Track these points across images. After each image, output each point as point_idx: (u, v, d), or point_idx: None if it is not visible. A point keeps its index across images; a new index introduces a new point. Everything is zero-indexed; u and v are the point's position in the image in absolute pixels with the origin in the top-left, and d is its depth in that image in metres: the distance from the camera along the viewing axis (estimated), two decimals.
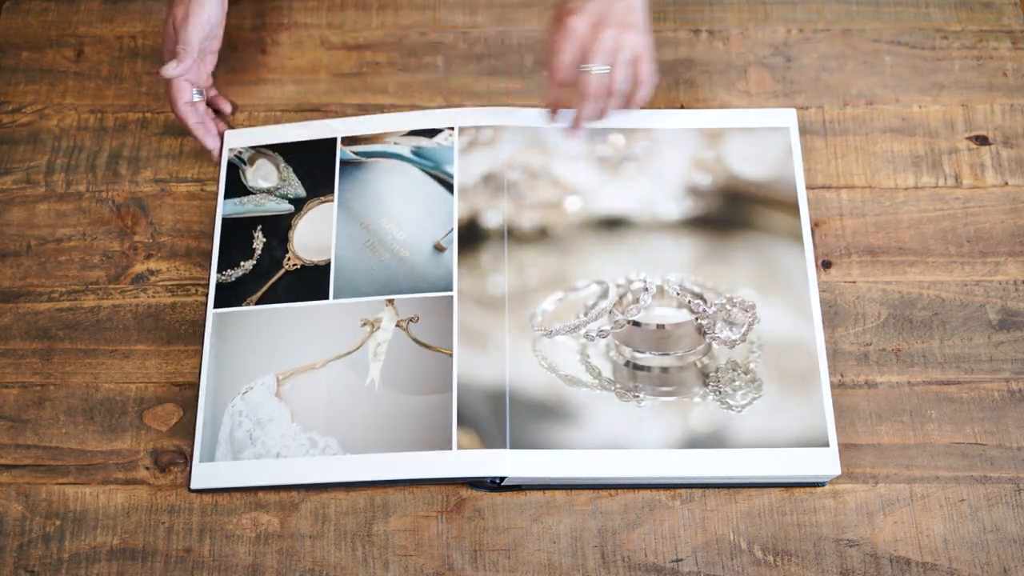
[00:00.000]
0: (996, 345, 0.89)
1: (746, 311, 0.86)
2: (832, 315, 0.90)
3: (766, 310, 0.87)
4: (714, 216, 0.91)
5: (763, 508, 0.84)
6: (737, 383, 0.85)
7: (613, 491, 0.85)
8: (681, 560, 0.82)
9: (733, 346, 0.86)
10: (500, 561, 0.83)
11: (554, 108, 0.93)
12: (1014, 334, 0.89)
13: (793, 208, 0.91)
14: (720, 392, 0.85)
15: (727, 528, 0.83)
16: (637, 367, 0.86)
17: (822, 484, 0.84)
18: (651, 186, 0.93)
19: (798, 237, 0.90)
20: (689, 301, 0.87)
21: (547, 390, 0.85)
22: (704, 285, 0.89)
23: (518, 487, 0.85)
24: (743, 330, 0.86)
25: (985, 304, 0.90)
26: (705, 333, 0.87)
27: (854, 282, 0.92)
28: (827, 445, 0.82)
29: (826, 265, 0.92)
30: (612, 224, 0.91)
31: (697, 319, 0.87)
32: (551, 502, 0.84)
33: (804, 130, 0.97)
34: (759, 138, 0.94)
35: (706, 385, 0.85)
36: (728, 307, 0.86)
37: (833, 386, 0.87)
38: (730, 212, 0.91)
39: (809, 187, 0.95)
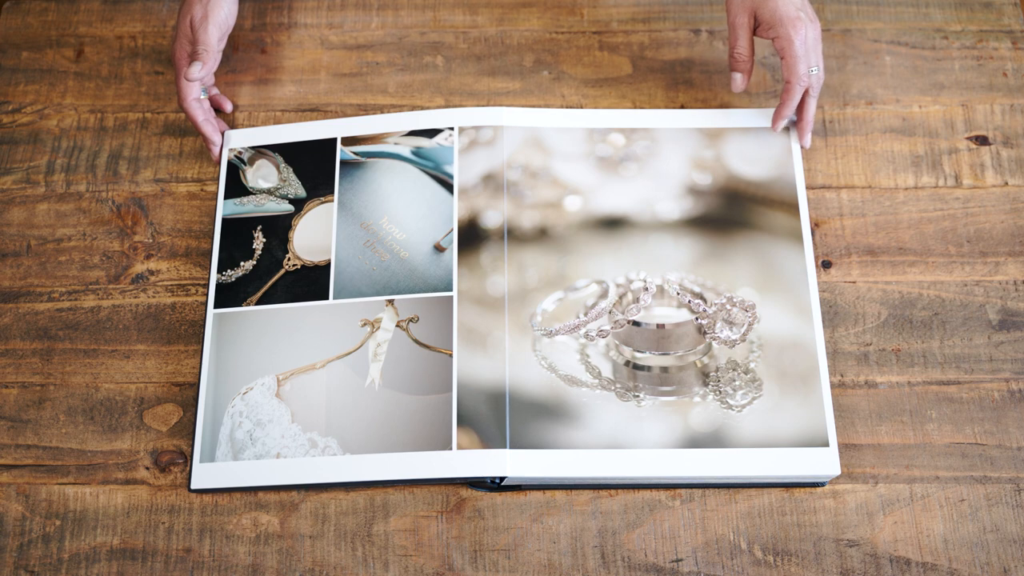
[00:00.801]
0: (996, 345, 0.89)
1: (746, 311, 0.86)
2: (832, 315, 0.90)
3: (766, 310, 0.87)
4: (714, 216, 0.91)
5: (763, 508, 0.84)
6: (737, 383, 0.85)
7: (613, 491, 0.85)
8: (681, 560, 0.82)
9: (733, 346, 0.86)
10: (500, 561, 0.83)
11: (784, 114, 0.93)
12: (1014, 334, 0.89)
13: (793, 208, 0.91)
14: (720, 392, 0.85)
15: (727, 528, 0.83)
16: (637, 367, 0.86)
17: (822, 484, 0.84)
18: (651, 186, 0.93)
19: (798, 237, 0.90)
20: (689, 301, 0.87)
21: (547, 390, 0.85)
22: (704, 285, 0.89)
23: (518, 487, 0.85)
24: (743, 330, 0.86)
25: (985, 304, 0.90)
26: (705, 333, 0.87)
27: (854, 282, 0.92)
28: (827, 445, 0.82)
29: (826, 265, 0.92)
30: (612, 224, 0.91)
31: (697, 319, 0.87)
32: (551, 502, 0.84)
33: None
34: (759, 138, 0.94)
35: (706, 385, 0.85)
36: (728, 307, 0.86)
37: (833, 386, 0.87)
38: (730, 212, 0.91)
39: (809, 187, 0.95)
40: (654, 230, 0.91)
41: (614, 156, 0.94)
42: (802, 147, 0.94)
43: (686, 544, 0.83)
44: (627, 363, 0.87)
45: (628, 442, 0.83)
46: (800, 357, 0.85)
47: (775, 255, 0.89)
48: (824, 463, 0.82)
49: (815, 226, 0.94)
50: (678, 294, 0.88)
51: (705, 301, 0.87)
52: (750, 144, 0.94)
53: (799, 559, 0.82)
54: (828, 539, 0.83)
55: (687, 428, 0.83)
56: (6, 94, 1.02)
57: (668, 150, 0.94)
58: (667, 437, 0.83)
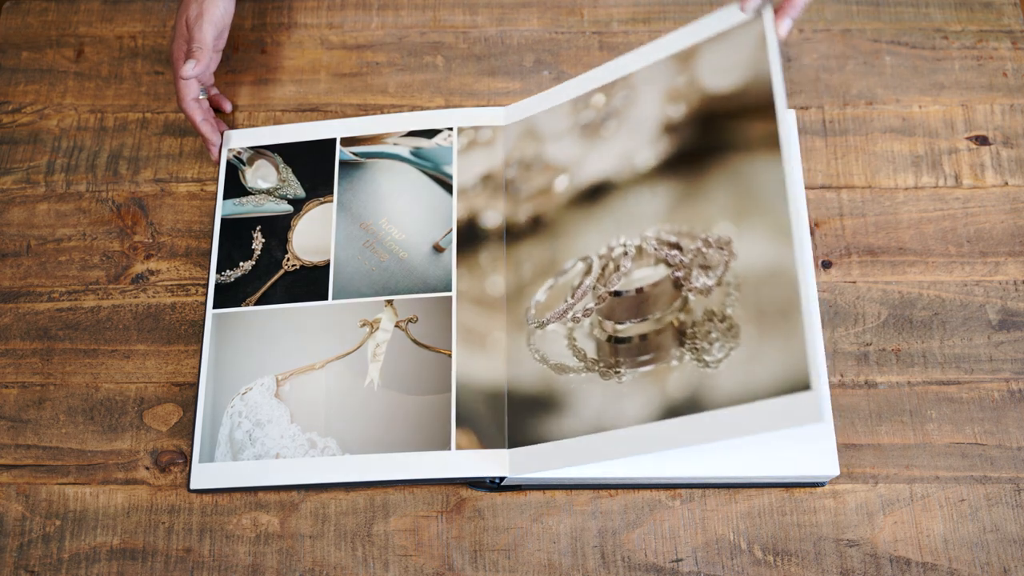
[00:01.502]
0: (996, 345, 0.89)
1: (721, 249, 0.77)
2: (832, 315, 0.90)
3: (743, 240, 0.77)
4: (689, 150, 0.82)
5: (763, 508, 0.84)
6: (713, 334, 0.76)
7: (613, 491, 0.85)
8: (681, 560, 0.82)
9: (709, 292, 0.78)
10: (500, 561, 0.83)
11: None
12: (1014, 334, 0.89)
13: (767, 111, 0.77)
14: (697, 348, 0.77)
15: (727, 528, 0.83)
16: (618, 340, 0.81)
17: (822, 484, 0.84)
18: (628, 137, 0.86)
19: (774, 145, 0.76)
20: (666, 254, 0.80)
21: (540, 383, 0.83)
22: (680, 232, 0.80)
23: (518, 487, 0.85)
24: (719, 272, 0.77)
25: (985, 304, 0.90)
26: (681, 286, 0.79)
27: (854, 282, 0.92)
28: (808, 388, 0.68)
29: (826, 265, 0.92)
30: (595, 192, 0.86)
31: (673, 271, 0.79)
32: (551, 502, 0.84)
33: (804, 130, 0.97)
34: (730, 42, 0.82)
35: (683, 344, 0.78)
36: (703, 249, 0.78)
37: (833, 386, 0.87)
38: (704, 139, 0.81)
39: (809, 187, 0.95)
40: (633, 185, 0.84)
41: (596, 119, 0.89)
42: (779, 36, 0.80)
43: (686, 544, 0.83)
44: (609, 339, 0.82)
45: (609, 423, 0.78)
46: (779, 288, 0.73)
47: (750, 173, 0.78)
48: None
49: (815, 226, 0.94)
50: (655, 250, 0.81)
51: (681, 250, 0.80)
52: (721, 52, 0.81)
53: (799, 559, 0.82)
54: (828, 539, 0.83)
55: (664, 397, 0.76)
56: (6, 94, 1.02)
57: (643, 92, 0.86)
58: (644, 411, 0.76)
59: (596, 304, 0.83)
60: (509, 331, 0.86)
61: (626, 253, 0.83)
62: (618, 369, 0.80)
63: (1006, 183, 0.95)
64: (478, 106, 0.98)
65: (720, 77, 0.81)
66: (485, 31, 1.04)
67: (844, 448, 0.85)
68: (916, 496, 0.84)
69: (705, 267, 0.78)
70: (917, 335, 0.89)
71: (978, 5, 1.03)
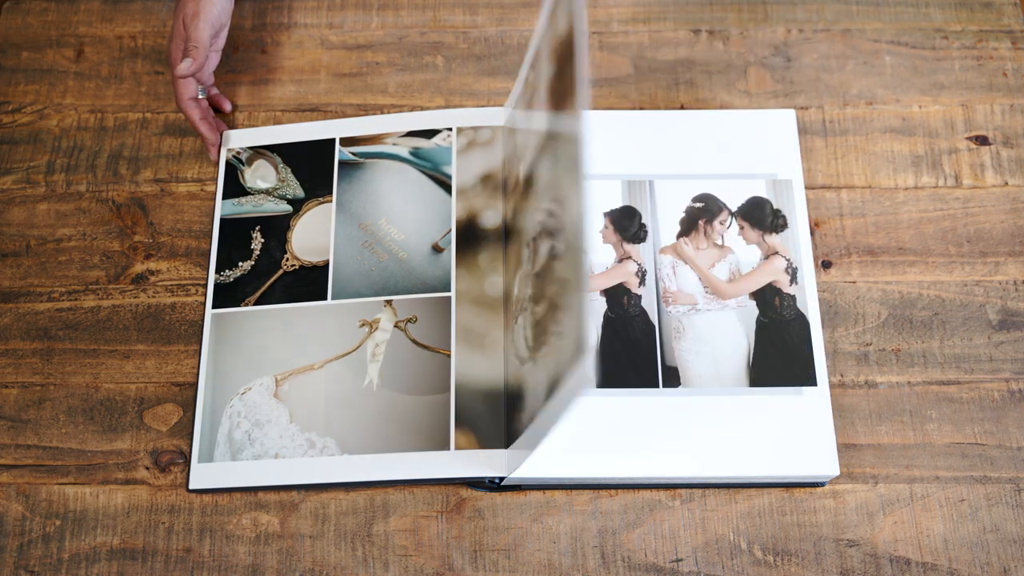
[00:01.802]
0: (996, 345, 0.89)
1: (555, 217, 0.69)
2: (832, 315, 0.90)
3: (572, 194, 0.66)
4: (556, 103, 0.72)
5: (763, 508, 0.84)
6: (559, 303, 0.68)
7: (613, 491, 0.85)
8: (681, 560, 0.82)
9: (561, 258, 0.69)
10: (500, 561, 0.83)
11: None
12: (1014, 334, 0.89)
13: (568, 48, 0.68)
14: (556, 320, 0.68)
15: (727, 528, 0.83)
16: (537, 323, 0.75)
17: (822, 484, 0.84)
18: (538, 107, 0.79)
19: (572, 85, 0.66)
20: (549, 224, 0.72)
21: (518, 379, 0.81)
22: (554, 197, 0.72)
23: (518, 487, 0.85)
24: (564, 233, 0.68)
25: (985, 304, 0.90)
26: (553, 255, 0.71)
27: (854, 282, 0.92)
28: (582, 352, 0.59)
29: (826, 265, 0.92)
30: (531, 172, 0.81)
31: (551, 241, 0.71)
32: (551, 502, 0.84)
33: (804, 130, 0.97)
34: None
35: (555, 319, 0.69)
36: (559, 213, 0.69)
37: (833, 386, 0.87)
38: (559, 88, 0.71)
39: (809, 187, 0.95)
40: (539, 156, 0.77)
41: (529, 94, 0.83)
42: None
43: (686, 544, 0.83)
44: (535, 323, 0.75)
45: (535, 409, 0.71)
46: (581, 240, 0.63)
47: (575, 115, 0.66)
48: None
49: (815, 226, 0.94)
50: (549, 220, 0.72)
51: (554, 216, 0.71)
52: None
53: (799, 559, 0.82)
54: (828, 539, 0.83)
55: (548, 378, 0.68)
56: (6, 94, 1.02)
57: (541, 57, 0.78)
58: (542, 396, 0.69)
59: (532, 290, 0.78)
60: (506, 331, 0.86)
61: (539, 231, 0.75)
62: (535, 353, 0.74)
63: (1006, 183, 0.95)
64: (478, 106, 0.98)
65: (562, 19, 0.71)
66: (485, 31, 1.04)
67: (844, 448, 0.85)
68: (916, 496, 0.84)
69: (560, 231, 0.69)
70: (917, 335, 0.89)
71: (978, 5, 1.03)
